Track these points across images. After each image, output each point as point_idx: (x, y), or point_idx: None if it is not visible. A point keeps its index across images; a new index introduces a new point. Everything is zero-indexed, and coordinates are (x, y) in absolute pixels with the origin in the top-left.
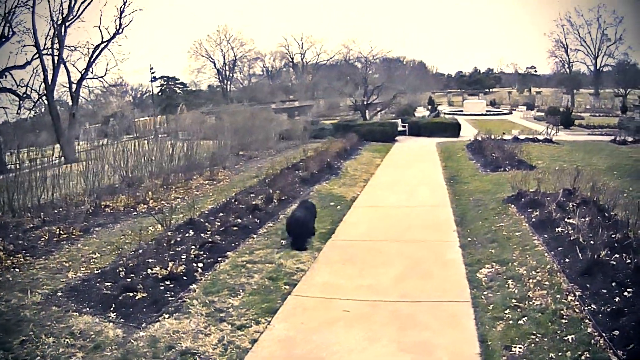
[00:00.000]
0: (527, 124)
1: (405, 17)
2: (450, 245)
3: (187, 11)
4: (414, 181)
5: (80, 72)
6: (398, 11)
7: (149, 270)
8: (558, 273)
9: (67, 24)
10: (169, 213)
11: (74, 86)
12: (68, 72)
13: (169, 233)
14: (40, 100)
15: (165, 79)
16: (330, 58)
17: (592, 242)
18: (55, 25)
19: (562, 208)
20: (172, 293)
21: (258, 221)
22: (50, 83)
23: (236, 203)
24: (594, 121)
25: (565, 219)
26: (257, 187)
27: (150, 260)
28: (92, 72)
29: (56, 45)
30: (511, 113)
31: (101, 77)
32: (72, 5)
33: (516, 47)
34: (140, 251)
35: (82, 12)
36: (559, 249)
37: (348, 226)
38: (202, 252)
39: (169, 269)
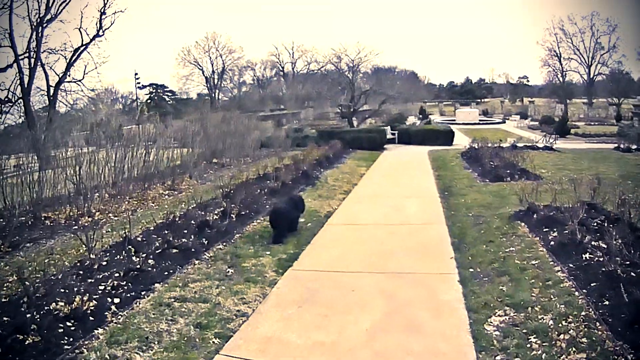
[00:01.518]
0: (522, 133)
1: (396, 28)
2: (447, 279)
3: (176, 18)
4: (402, 193)
5: (59, 76)
6: (389, 21)
7: (54, 305)
8: (597, 323)
9: (45, 24)
10: (92, 230)
11: (54, 90)
12: (46, 75)
13: (93, 255)
14: (16, 104)
15: (154, 86)
16: (321, 67)
17: (635, 276)
18: (33, 26)
19: (585, 227)
20: (71, 339)
21: (206, 242)
22: (26, 86)
23: (184, 219)
24: (589, 130)
25: (593, 242)
26: (219, 199)
27: (62, 291)
28: (69, 76)
29: (33, 47)
30: (504, 122)
31: (79, 80)
32: (49, 4)
33: (508, 57)
34: (60, 276)
35: (60, 12)
36: (593, 285)
37: (316, 250)
38: (124, 283)
39: (74, 304)
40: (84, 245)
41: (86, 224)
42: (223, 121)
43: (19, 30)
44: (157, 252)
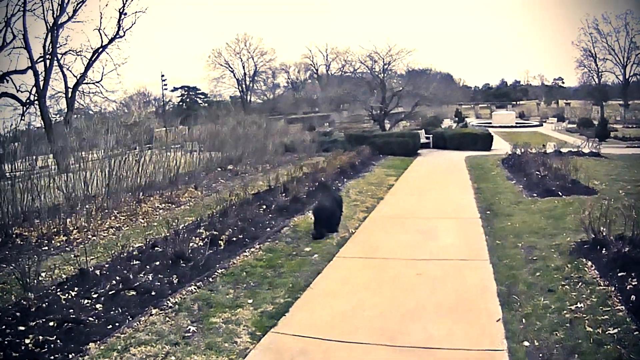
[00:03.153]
0: (561, 137)
1: (430, 29)
2: None
3: (206, 20)
4: (436, 212)
5: (77, 78)
6: (423, 23)
7: None
8: None
9: (60, 25)
10: (34, 262)
11: (72, 92)
12: (65, 77)
13: (32, 295)
14: (33, 106)
15: (185, 89)
16: (355, 70)
17: None
18: (48, 27)
19: None
20: None
21: (176, 281)
22: (41, 88)
23: (161, 246)
24: (629, 132)
25: None
26: (218, 216)
27: None
28: (88, 77)
29: (49, 48)
30: (541, 125)
31: (98, 82)
32: (64, 4)
33: (543, 58)
34: None
35: (76, 13)
36: None
37: (314, 300)
38: (54, 337)
39: None
40: (44, 273)
41: (58, 245)
42: (239, 124)
43: (38, 31)
44: (110, 293)
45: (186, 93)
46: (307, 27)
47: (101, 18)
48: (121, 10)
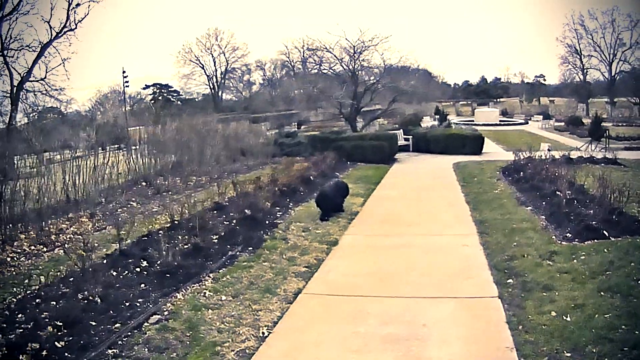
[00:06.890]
0: (552, 136)
1: (409, 25)
2: None
3: (179, 16)
4: (420, 281)
5: (21, 76)
6: (401, 18)
7: None
8: None
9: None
10: None
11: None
12: (11, 74)
13: None
14: None
15: (157, 86)
16: (333, 66)
17: None
18: None
19: None
20: None
21: None
22: None
23: None
24: (622, 131)
25: None
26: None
27: None
28: (33, 75)
29: None
30: (527, 123)
31: (42, 79)
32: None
33: (524, 55)
34: None
35: (20, 5)
36: None
37: None
38: None
39: None
40: None
41: None
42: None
43: None
44: None
45: (158, 91)
46: (283, 24)
47: (52, 9)
48: (70, 0)
